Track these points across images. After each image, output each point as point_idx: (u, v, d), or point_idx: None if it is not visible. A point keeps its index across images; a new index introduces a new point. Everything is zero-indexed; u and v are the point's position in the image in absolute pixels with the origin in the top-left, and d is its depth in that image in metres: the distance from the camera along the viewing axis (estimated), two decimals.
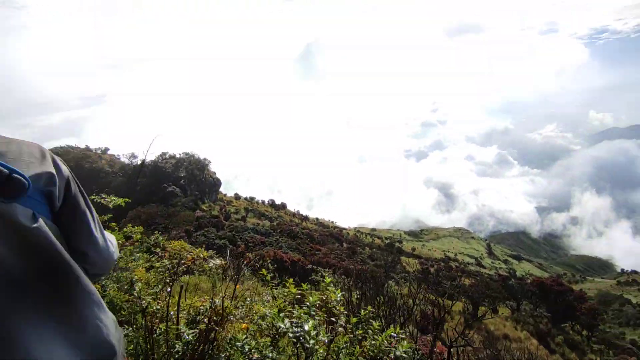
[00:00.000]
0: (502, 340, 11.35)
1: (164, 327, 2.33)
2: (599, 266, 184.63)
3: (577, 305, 15.60)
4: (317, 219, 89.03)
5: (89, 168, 68.28)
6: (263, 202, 76.97)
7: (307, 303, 2.29)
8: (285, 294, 2.58)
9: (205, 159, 67.13)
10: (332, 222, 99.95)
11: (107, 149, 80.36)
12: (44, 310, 0.76)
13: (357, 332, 2.32)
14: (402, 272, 35.72)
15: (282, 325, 2.06)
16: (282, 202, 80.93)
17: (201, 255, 2.73)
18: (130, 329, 2.41)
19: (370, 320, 2.45)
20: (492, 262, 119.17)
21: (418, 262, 53.98)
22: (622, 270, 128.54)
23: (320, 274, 12.75)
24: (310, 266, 12.90)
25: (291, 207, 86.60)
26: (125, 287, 3.09)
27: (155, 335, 2.30)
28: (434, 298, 15.19)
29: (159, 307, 2.46)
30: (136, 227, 3.42)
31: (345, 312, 2.49)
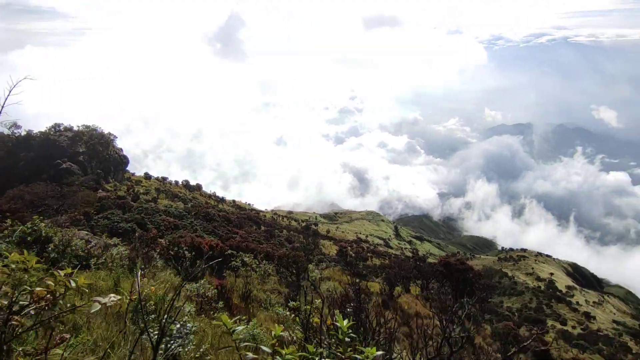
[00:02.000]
0: (414, 317, 12.25)
1: None
2: (485, 245, 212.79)
3: (475, 281, 17.65)
4: (233, 201, 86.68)
5: None
6: (176, 182, 72.16)
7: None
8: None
9: (110, 133, 60.18)
10: (249, 204, 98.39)
11: None
12: None
13: None
14: (319, 254, 36.65)
15: None
16: (197, 184, 76.88)
17: (71, 285, 1.59)
18: None
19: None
20: (398, 243, 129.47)
21: (335, 244, 55.90)
22: (502, 248, 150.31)
23: (240, 259, 12.24)
24: (229, 251, 12.27)
25: (206, 188, 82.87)
26: None
27: None
28: (355, 280, 15.70)
29: None
30: None
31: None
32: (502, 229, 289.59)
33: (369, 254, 56.53)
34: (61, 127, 59.86)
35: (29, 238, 4.67)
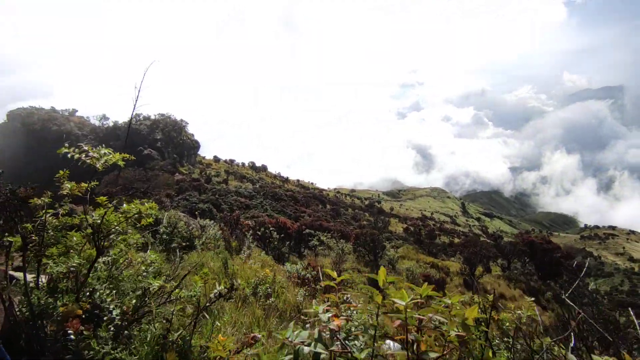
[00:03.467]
0: (499, 299, 11.54)
1: None
2: (564, 222, 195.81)
3: (564, 262, 16.19)
4: (298, 180, 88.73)
5: (57, 131, 64.48)
6: (243, 164, 75.56)
7: None
8: None
9: (182, 120, 64.42)
10: (312, 183, 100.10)
11: (75, 111, 75.81)
12: None
13: None
14: (386, 232, 36.21)
15: None
16: (262, 164, 79.80)
17: None
18: None
19: None
20: (466, 220, 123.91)
21: (400, 222, 54.95)
22: (585, 225, 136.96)
23: (317, 238, 12.41)
24: (307, 230, 12.51)
25: (270, 167, 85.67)
26: (133, 301, 1.94)
27: None
28: (432, 261, 15.25)
29: None
30: (149, 204, 2.46)
31: None
32: (585, 204, 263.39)
33: (436, 232, 54.76)
34: (141, 116, 65.22)
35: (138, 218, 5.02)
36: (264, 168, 77.97)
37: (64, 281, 2.00)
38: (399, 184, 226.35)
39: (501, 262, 16.63)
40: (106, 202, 2.18)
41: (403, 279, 12.21)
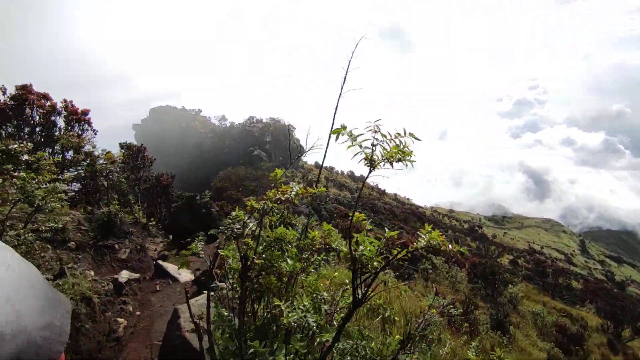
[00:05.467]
0: None
1: None
2: None
3: None
4: (395, 194, 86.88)
5: (185, 127, 73.85)
6: (342, 172, 76.83)
7: None
8: None
9: (290, 125, 68.32)
10: (408, 198, 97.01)
11: (200, 110, 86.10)
12: None
13: None
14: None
15: None
16: (360, 174, 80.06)
17: None
18: None
19: None
20: (585, 261, 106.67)
21: (515, 254, 49.81)
22: None
23: (430, 261, 11.56)
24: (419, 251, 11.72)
25: (368, 179, 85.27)
26: None
27: None
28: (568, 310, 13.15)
29: None
30: (436, 232, 1.89)
31: None
32: None
33: (549, 270, 48.00)
34: (254, 119, 71.03)
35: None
36: (362, 178, 78.23)
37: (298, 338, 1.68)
38: (503, 209, 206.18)
39: None
40: (365, 221, 1.83)
41: (529, 325, 10.62)
